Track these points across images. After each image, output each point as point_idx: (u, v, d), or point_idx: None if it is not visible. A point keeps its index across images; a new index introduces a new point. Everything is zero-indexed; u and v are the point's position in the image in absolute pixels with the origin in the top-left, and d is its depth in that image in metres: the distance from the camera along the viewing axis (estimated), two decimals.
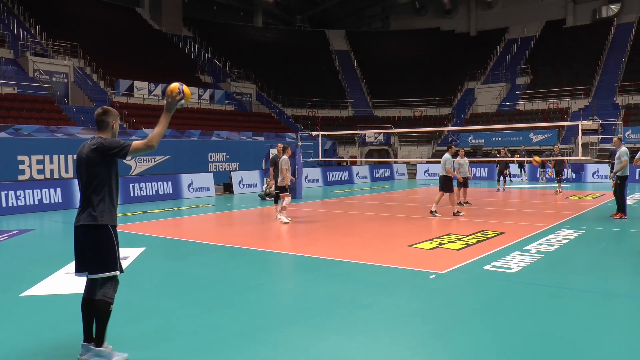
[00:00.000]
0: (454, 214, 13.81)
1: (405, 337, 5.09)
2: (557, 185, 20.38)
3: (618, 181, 12.80)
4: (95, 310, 4.31)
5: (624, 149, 12.84)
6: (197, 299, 6.30)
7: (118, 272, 4.40)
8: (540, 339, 4.92)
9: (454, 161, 15.14)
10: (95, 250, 4.31)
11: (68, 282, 7.14)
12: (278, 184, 13.02)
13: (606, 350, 4.67)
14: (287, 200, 12.86)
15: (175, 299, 6.32)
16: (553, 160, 20.58)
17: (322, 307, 5.96)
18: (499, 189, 21.80)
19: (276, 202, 13.59)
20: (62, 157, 19.62)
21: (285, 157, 12.90)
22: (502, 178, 21.69)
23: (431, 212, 13.86)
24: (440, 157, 14.83)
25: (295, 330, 5.23)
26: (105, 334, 4.34)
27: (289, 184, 13.04)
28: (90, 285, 4.42)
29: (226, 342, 4.92)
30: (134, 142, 4.31)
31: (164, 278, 7.56)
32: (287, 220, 12.62)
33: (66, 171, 19.70)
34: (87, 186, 4.32)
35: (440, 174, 14.32)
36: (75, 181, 16.73)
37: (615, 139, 13.49)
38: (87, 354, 4.30)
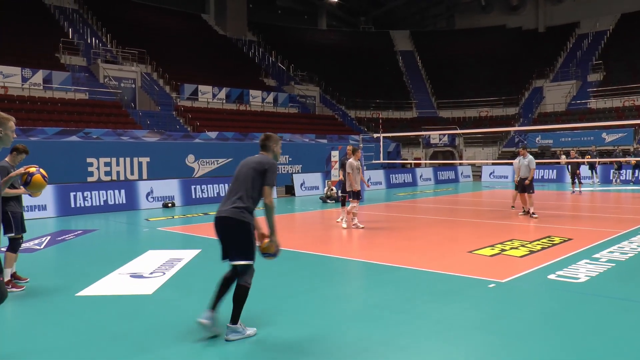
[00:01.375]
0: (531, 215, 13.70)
1: (459, 351, 4.78)
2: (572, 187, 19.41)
3: None
4: (236, 294, 5.06)
5: None
6: (248, 303, 6.18)
7: (253, 262, 5.10)
8: (608, 357, 4.51)
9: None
10: (239, 242, 5.02)
11: (121, 283, 7.23)
12: (358, 189, 12.40)
13: None
14: (353, 205, 12.19)
15: (223, 303, 6.23)
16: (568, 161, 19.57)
17: (370, 316, 5.73)
18: (574, 191, 20.87)
19: (343, 205, 13.23)
20: (127, 159, 20.18)
21: (351, 160, 12.25)
22: (576, 180, 20.74)
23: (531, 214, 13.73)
24: (507, 158, 14.16)
25: (338, 341, 5.02)
26: (239, 314, 5.08)
27: (358, 188, 12.35)
28: (233, 271, 5.15)
29: (266, 354, 4.78)
30: (267, 189, 5.09)
31: (214, 281, 7.48)
32: (345, 225, 12.32)
33: (131, 173, 20.26)
34: (240, 188, 5.04)
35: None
36: (139, 183, 17.25)
37: None
38: (213, 323, 5.08)
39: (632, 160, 22.99)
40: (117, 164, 19.93)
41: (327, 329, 5.38)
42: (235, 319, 5.06)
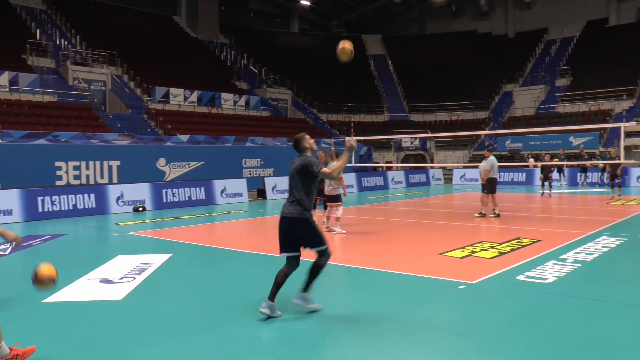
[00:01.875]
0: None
1: (430, 352, 4.82)
2: (611, 190, 19.59)
3: None
4: (313, 269, 5.93)
5: None
6: (219, 308, 6.15)
7: (326, 246, 5.91)
8: (577, 355, 4.60)
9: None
10: (309, 235, 5.82)
11: (90, 289, 7.10)
12: (330, 193, 12.06)
13: None
14: (341, 210, 12.15)
15: (195, 308, 6.19)
16: (609, 163, 19.74)
17: (344, 318, 5.74)
18: (543, 193, 21.23)
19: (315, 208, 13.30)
20: (97, 163, 19.88)
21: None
22: (546, 183, 21.06)
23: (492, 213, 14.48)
24: (478, 162, 14.48)
25: (314, 343, 5.03)
26: (311, 286, 6.00)
27: (336, 193, 12.09)
28: (297, 260, 5.98)
29: (246, 356, 4.76)
30: (324, 173, 5.79)
31: (186, 285, 7.44)
32: (344, 232, 11.94)
33: (101, 177, 19.95)
34: (294, 193, 5.81)
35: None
36: (109, 187, 17.04)
37: None
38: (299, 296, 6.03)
39: (600, 163, 23.44)
40: (87, 168, 19.61)
41: (300, 331, 5.37)
42: (306, 288, 5.98)
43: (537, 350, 4.77)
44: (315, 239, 5.84)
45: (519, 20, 50.64)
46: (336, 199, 12.06)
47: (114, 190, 17.08)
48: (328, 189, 12.02)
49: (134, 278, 7.63)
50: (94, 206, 16.33)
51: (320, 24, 56.20)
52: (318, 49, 51.32)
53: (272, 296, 5.75)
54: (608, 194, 20.06)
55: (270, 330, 5.42)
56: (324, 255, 5.93)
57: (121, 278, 7.66)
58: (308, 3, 50.59)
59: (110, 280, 7.56)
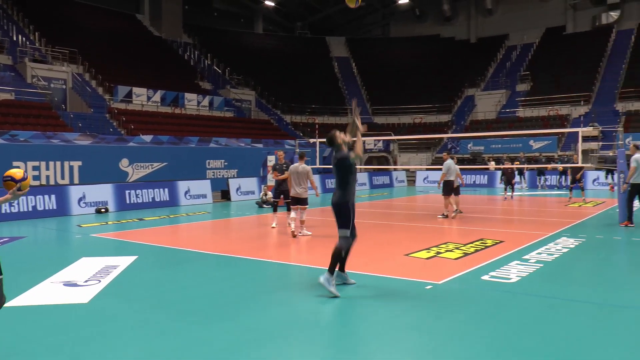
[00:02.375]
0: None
1: (399, 351, 4.89)
2: (570, 192, 20.17)
3: (629, 188, 12.58)
4: (333, 253, 6.84)
5: (637, 155, 12.51)
6: (186, 310, 6.12)
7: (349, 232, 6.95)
8: (540, 352, 4.74)
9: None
10: (339, 217, 6.97)
11: (54, 292, 6.96)
12: (300, 195, 11.73)
13: None
14: (305, 212, 12.02)
15: (163, 310, 6.13)
16: (570, 167, 20.26)
17: (313, 320, 5.78)
18: (505, 197, 21.45)
19: (275, 210, 13.28)
20: (58, 163, 19.47)
21: (296, 164, 11.79)
22: (509, 186, 21.34)
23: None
24: (440, 164, 14.78)
25: (283, 345, 5.05)
26: (334, 268, 6.79)
27: (304, 196, 11.76)
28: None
29: (213, 357, 4.74)
30: (355, 153, 6.85)
31: (153, 288, 7.35)
32: (310, 233, 11.84)
33: (62, 177, 19.55)
34: (337, 183, 7.04)
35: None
36: (70, 187, 16.71)
37: (631, 145, 13.18)
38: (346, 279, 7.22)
39: (560, 166, 24.05)
40: (47, 168, 19.19)
41: (271, 334, 5.38)
42: (330, 270, 6.75)
43: (502, 347, 4.89)
44: (339, 222, 6.95)
45: (481, 26, 51.62)
46: (304, 201, 11.81)
47: (75, 191, 16.73)
48: (298, 191, 11.68)
49: (100, 281, 7.51)
50: (54, 207, 15.96)
51: (285, 25, 56.17)
52: (282, 50, 51.33)
53: (341, 268, 7.18)
54: (566, 197, 20.63)
55: (239, 332, 5.41)
56: (341, 239, 6.91)
57: (86, 281, 7.53)
58: (272, 4, 50.49)
59: (75, 283, 7.42)
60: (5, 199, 4.54)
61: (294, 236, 11.53)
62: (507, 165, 22.22)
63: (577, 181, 19.49)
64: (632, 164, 12.40)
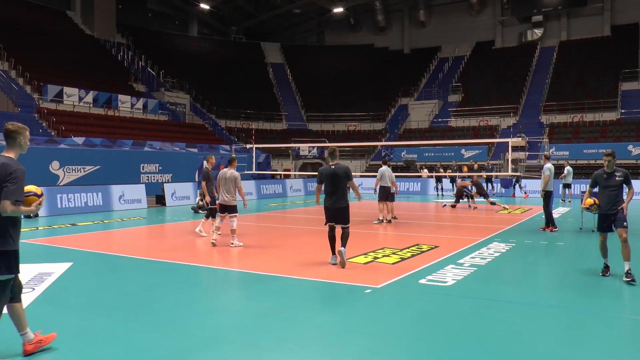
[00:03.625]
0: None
1: (341, 354, 5.01)
2: (472, 200, 21.07)
3: (542, 196, 13.49)
4: (343, 235, 8.87)
5: (547, 165, 13.52)
6: (126, 318, 6.03)
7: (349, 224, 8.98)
8: (476, 350, 4.98)
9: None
10: (345, 217, 8.92)
11: None
12: (228, 203, 11.10)
13: (539, 357, 4.79)
14: (236, 221, 11.20)
15: (103, 318, 6.02)
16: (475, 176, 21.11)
17: (255, 324, 5.82)
18: (470, 206, 20.87)
19: (209, 217, 12.60)
20: None
21: (225, 169, 11.28)
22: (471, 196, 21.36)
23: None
24: (376, 171, 15.11)
25: (228, 349, 5.08)
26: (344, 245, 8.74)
27: (232, 203, 11.11)
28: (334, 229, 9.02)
29: None
30: (352, 183, 9.06)
31: (91, 295, 7.18)
32: (241, 244, 11.13)
33: None
34: (341, 188, 8.86)
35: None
36: None
37: (543, 156, 14.19)
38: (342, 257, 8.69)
39: (484, 174, 24.93)
40: None
41: (213, 339, 5.39)
42: (344, 245, 8.78)
43: (441, 346, 5.12)
44: (346, 221, 8.93)
45: (414, 37, 53.00)
46: (233, 209, 11.16)
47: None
48: (226, 198, 11.05)
49: (33, 289, 7.25)
50: None
51: (220, 29, 55.74)
52: (217, 54, 50.92)
53: (334, 250, 9.01)
54: (501, 203, 21.50)
55: (181, 337, 5.39)
56: (347, 228, 8.94)
57: None
58: (207, 7, 50.03)
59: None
60: (29, 210, 4.73)
61: (214, 245, 11.03)
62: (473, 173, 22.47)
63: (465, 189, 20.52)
64: (546, 173, 13.31)
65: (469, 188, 20.64)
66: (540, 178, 14.53)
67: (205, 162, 13.11)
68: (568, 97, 38.66)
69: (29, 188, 4.81)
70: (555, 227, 13.57)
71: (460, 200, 21.05)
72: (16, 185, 4.45)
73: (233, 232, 11.03)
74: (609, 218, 7.98)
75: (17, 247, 4.60)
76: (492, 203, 20.43)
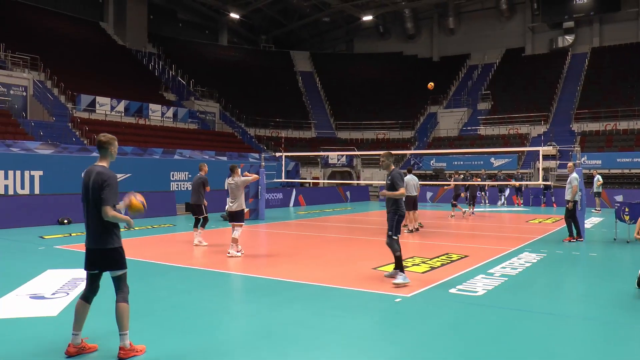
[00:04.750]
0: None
1: None
2: (468, 207, 21.14)
3: (569, 206, 13.16)
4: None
5: (574, 174, 13.20)
6: (156, 322, 6.11)
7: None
8: None
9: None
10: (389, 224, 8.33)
11: (20, 305, 6.85)
12: (232, 210, 11.00)
13: None
14: (240, 230, 11.00)
15: (133, 322, 6.09)
16: (469, 184, 20.99)
17: (285, 331, 5.84)
18: (465, 213, 21.08)
19: (197, 226, 12.47)
20: (18, 172, 19.02)
21: (229, 179, 11.20)
22: (472, 202, 21.39)
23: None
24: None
25: (257, 356, 5.10)
26: (402, 266, 8.26)
27: (238, 209, 11.02)
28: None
29: None
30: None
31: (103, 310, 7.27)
32: (239, 255, 10.86)
33: (22, 187, 19.09)
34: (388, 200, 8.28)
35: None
36: (31, 198, 16.29)
37: (569, 164, 13.89)
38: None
39: (516, 183, 24.68)
40: (6, 177, 18.71)
41: (241, 345, 5.42)
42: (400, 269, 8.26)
43: (469, 356, 5.06)
44: (395, 229, 8.37)
45: (443, 45, 52.75)
46: (239, 217, 10.99)
47: (36, 202, 16.37)
48: (231, 205, 10.92)
49: (68, 293, 7.41)
50: (15, 218, 15.58)
51: (249, 38, 56.29)
52: (247, 63, 51.40)
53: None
54: (525, 213, 21.18)
55: (216, 342, 5.43)
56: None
57: (53, 293, 7.42)
58: (237, 16, 50.57)
59: (42, 296, 7.31)
60: (125, 220, 5.04)
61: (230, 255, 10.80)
62: (473, 182, 22.47)
63: (473, 197, 20.92)
64: (574, 183, 12.99)
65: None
66: (564, 187, 14.21)
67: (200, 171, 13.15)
68: (600, 104, 37.97)
69: (140, 198, 5.18)
70: (581, 237, 13.29)
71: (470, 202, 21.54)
72: (111, 191, 4.87)
73: (234, 241, 10.84)
74: None
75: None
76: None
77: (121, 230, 5.15)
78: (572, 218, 13.27)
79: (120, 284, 5.12)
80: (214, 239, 13.83)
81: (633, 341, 5.70)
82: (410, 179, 15.79)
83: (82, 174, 5.15)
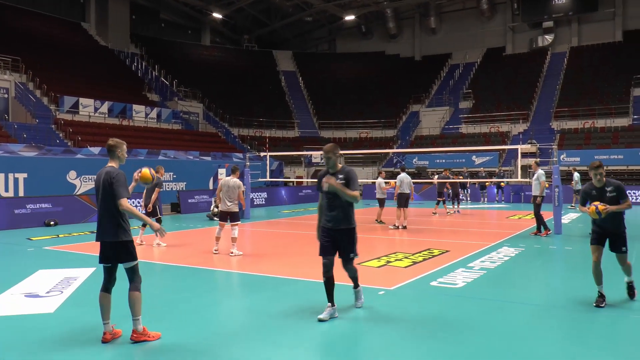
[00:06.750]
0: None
1: (358, 351, 5.30)
2: (452, 206, 21.65)
3: (537, 201, 13.79)
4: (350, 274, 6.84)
5: (540, 171, 13.90)
6: (151, 319, 6.33)
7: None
8: (485, 349, 5.24)
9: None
10: (350, 242, 6.70)
11: (16, 303, 7.03)
12: (229, 209, 11.06)
13: (545, 356, 5.03)
14: (237, 230, 11.15)
15: (128, 319, 6.32)
16: (451, 181, 21.37)
17: (275, 324, 6.11)
18: (449, 212, 21.21)
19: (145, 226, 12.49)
20: (2, 175, 19.03)
21: (227, 178, 11.23)
22: (455, 199, 21.66)
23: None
24: (386, 178, 15.38)
25: (251, 346, 5.37)
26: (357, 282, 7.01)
27: (234, 210, 11.11)
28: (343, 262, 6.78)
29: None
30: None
31: (116, 298, 7.46)
32: (241, 253, 11.10)
33: (6, 190, 19.10)
34: (337, 206, 6.66)
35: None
36: (19, 200, 16.35)
37: (533, 163, 14.51)
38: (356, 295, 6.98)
39: (502, 182, 25.23)
40: None
41: (236, 336, 5.68)
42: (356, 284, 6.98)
43: (452, 344, 5.38)
44: (353, 248, 6.89)
45: (425, 45, 53.26)
46: (235, 217, 11.12)
47: (20, 204, 16.44)
48: (229, 204, 11.03)
49: (62, 292, 7.60)
50: (1, 220, 15.66)
51: (232, 38, 56.32)
52: (230, 63, 51.45)
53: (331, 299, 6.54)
54: (506, 209, 21.67)
55: (212, 334, 5.68)
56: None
57: (48, 292, 7.60)
58: (220, 16, 50.60)
59: (37, 294, 7.49)
60: (142, 218, 5.92)
61: (216, 253, 11.11)
62: (457, 180, 22.74)
63: (456, 195, 21.41)
64: (541, 179, 13.66)
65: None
66: (552, 184, 14.68)
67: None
68: (579, 103, 38.72)
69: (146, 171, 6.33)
70: (549, 230, 13.87)
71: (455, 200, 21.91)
72: (121, 185, 5.41)
73: (234, 240, 11.02)
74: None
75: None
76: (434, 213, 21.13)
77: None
78: (536, 213, 13.83)
79: (132, 275, 5.58)
80: (197, 237, 14.02)
81: (597, 328, 6.05)
82: (405, 177, 16.41)
83: (95, 177, 5.78)
